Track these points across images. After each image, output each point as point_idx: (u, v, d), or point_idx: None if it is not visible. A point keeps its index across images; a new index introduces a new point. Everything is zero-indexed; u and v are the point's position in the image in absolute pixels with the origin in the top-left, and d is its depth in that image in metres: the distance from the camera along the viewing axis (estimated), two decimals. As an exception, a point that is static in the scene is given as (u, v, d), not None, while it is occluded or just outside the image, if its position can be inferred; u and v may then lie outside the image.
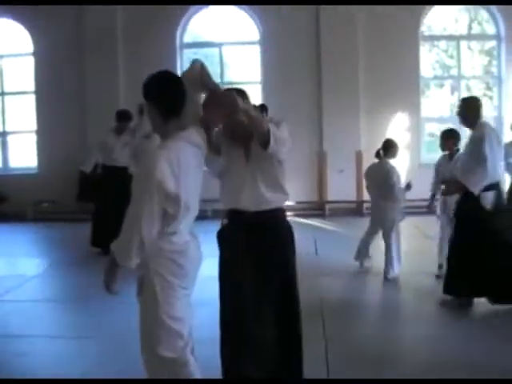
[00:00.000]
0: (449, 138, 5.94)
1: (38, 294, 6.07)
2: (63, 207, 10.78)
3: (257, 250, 2.99)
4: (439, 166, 6.18)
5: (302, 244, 7.43)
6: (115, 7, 10.82)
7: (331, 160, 10.73)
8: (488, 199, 4.83)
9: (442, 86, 11.93)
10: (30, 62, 11.51)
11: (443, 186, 5.83)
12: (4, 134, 11.93)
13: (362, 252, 6.53)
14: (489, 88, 11.85)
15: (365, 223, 6.66)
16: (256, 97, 10.76)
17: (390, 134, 9.57)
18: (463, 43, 11.50)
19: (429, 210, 6.35)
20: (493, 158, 4.77)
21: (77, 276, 6.46)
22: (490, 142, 4.78)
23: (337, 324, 4.75)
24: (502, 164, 4.94)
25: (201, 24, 11.45)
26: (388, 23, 10.51)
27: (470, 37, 11.70)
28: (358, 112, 10.72)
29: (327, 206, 10.70)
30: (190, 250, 2.70)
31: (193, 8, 11.12)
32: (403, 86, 10.66)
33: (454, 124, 7.50)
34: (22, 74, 11.86)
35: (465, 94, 11.48)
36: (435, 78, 11.93)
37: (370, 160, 6.69)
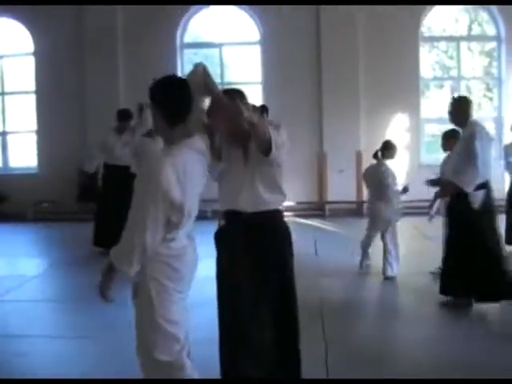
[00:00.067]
0: (450, 138, 5.94)
1: (38, 294, 6.07)
2: (63, 207, 10.80)
3: (255, 250, 3.00)
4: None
5: (302, 244, 7.49)
6: (115, 7, 10.82)
7: (331, 160, 10.74)
8: (477, 198, 4.83)
9: (441, 86, 11.94)
10: (31, 61, 11.51)
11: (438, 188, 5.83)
12: (4, 133, 11.94)
13: (364, 255, 6.54)
14: (489, 89, 11.86)
15: (365, 224, 6.67)
16: (256, 97, 10.76)
17: (389, 134, 9.59)
18: (463, 44, 11.50)
19: (431, 210, 6.36)
20: (483, 156, 4.78)
21: (77, 276, 6.46)
22: (480, 140, 4.80)
23: (336, 325, 4.75)
24: (492, 162, 4.92)
25: (201, 24, 11.45)
26: (388, 23, 10.51)
27: (470, 38, 11.71)
28: (358, 112, 10.72)
29: (327, 207, 10.70)
30: (187, 254, 2.69)
31: (193, 8, 11.13)
32: (403, 87, 10.67)
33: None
34: (23, 73, 11.87)
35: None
36: (435, 78, 11.94)
37: (369, 160, 6.70)
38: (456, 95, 5.51)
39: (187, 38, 11.46)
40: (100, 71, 10.77)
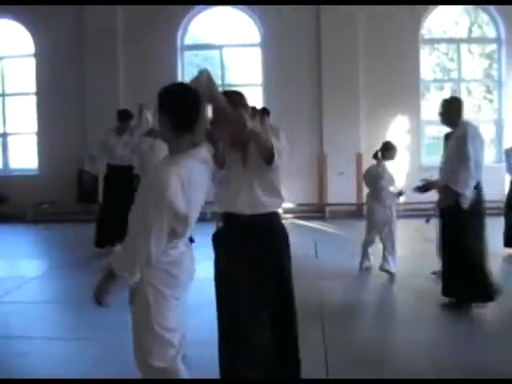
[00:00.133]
0: None
1: (38, 295, 6.07)
2: (63, 208, 10.80)
3: (253, 253, 3.01)
4: None
5: (302, 246, 7.50)
6: (115, 7, 10.82)
7: (331, 162, 10.73)
8: (467, 199, 4.83)
9: (442, 88, 11.93)
10: (31, 63, 11.52)
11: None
12: (4, 135, 11.94)
13: (364, 255, 6.55)
14: (489, 91, 11.86)
15: (364, 225, 6.67)
16: (256, 99, 10.77)
17: (390, 136, 9.58)
18: (463, 46, 11.51)
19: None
20: (475, 157, 4.79)
21: (77, 277, 6.45)
22: (472, 141, 4.80)
23: (337, 327, 4.75)
24: (483, 163, 4.92)
25: (201, 26, 11.46)
26: (388, 23, 10.51)
27: (470, 40, 11.72)
28: (359, 113, 10.71)
29: (327, 209, 10.69)
30: (185, 260, 2.68)
31: (193, 10, 11.13)
32: (403, 89, 10.67)
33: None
34: (23, 75, 11.87)
35: (465, 97, 11.51)
36: (435, 80, 11.95)
37: (369, 162, 6.72)
38: (446, 97, 5.51)
39: (188, 40, 11.47)
40: (100, 71, 10.77)
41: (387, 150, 6.36)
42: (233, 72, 12.06)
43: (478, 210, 4.93)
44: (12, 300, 5.77)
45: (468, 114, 11.46)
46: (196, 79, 2.77)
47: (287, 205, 9.75)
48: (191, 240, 3.30)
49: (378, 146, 6.50)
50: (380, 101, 10.61)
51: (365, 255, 6.52)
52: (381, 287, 6.07)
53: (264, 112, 7.73)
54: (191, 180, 2.54)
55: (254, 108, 5.67)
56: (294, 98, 10.62)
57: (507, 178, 7.94)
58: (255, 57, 11.33)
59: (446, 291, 5.08)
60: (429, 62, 11.63)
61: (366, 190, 6.95)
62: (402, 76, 10.65)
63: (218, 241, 3.14)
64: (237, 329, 2.98)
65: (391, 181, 6.36)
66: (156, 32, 10.77)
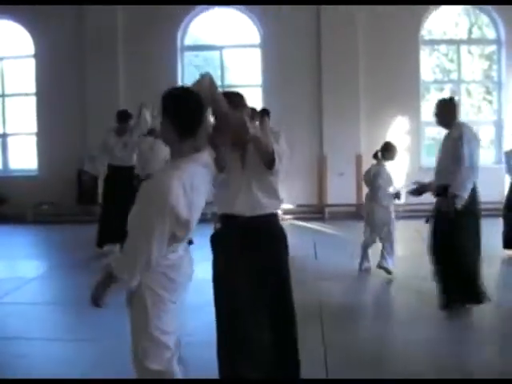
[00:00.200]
0: None
1: (38, 296, 6.07)
2: (63, 209, 10.80)
3: (251, 254, 3.01)
4: None
5: (302, 247, 7.51)
6: (116, 7, 10.82)
7: (331, 163, 10.73)
8: (461, 200, 4.81)
9: (442, 89, 11.93)
10: (31, 63, 11.52)
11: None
12: (4, 135, 11.94)
13: (363, 256, 6.55)
14: (489, 92, 11.86)
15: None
16: (256, 99, 10.77)
17: (390, 137, 9.58)
18: (463, 47, 11.51)
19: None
20: (471, 159, 4.78)
21: (76, 278, 6.45)
22: (468, 142, 4.80)
23: (336, 328, 4.75)
24: (479, 164, 4.91)
25: (201, 27, 11.46)
26: (388, 23, 10.51)
27: (470, 41, 11.72)
28: (359, 114, 10.71)
29: (327, 210, 10.69)
30: (183, 264, 2.68)
31: (193, 11, 11.13)
32: (403, 90, 10.67)
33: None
34: (23, 75, 11.87)
35: (465, 99, 11.53)
36: (435, 81, 11.94)
37: (369, 163, 6.74)
38: (440, 98, 5.51)
39: (188, 41, 11.47)
40: (100, 71, 10.76)
41: (387, 150, 6.41)
42: (233, 73, 12.06)
43: (472, 210, 4.90)
44: (11, 301, 5.76)
45: (468, 115, 11.51)
46: (198, 83, 2.75)
47: (287, 206, 9.75)
48: (190, 242, 3.30)
49: (378, 147, 6.54)
50: (380, 102, 10.61)
51: (364, 256, 6.52)
52: (380, 288, 6.07)
53: (264, 113, 7.72)
54: (193, 185, 2.54)
55: (253, 109, 5.66)
56: (293, 99, 10.62)
57: (507, 179, 7.94)
58: (255, 57, 11.33)
59: (440, 291, 5.07)
60: (429, 63, 11.64)
61: (365, 191, 6.97)
62: (402, 77, 10.65)
63: (216, 242, 3.14)
64: (236, 329, 2.98)
65: (389, 181, 6.39)
66: (156, 32, 10.78)
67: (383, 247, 6.33)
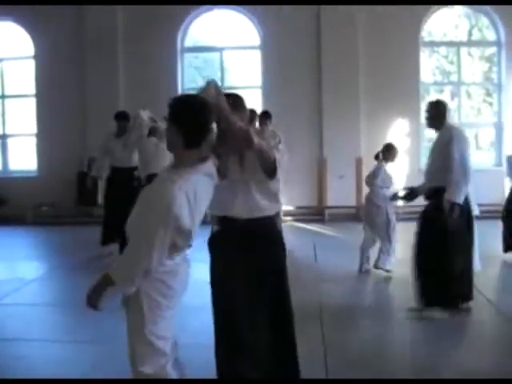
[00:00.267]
0: None
1: (37, 297, 6.06)
2: (63, 210, 10.80)
3: (248, 256, 3.01)
4: None
5: (302, 249, 7.50)
6: (116, 7, 10.84)
7: (331, 165, 10.74)
8: (458, 210, 4.77)
9: (441, 91, 11.95)
10: (31, 64, 11.52)
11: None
12: (4, 136, 11.95)
13: (363, 258, 6.56)
14: (489, 94, 11.88)
15: (364, 229, 6.69)
16: (256, 101, 10.78)
17: (389, 139, 9.59)
18: (463, 49, 11.53)
19: None
20: (462, 161, 4.77)
21: (76, 280, 6.44)
22: (458, 144, 4.80)
23: (336, 329, 4.75)
24: (471, 166, 4.91)
25: (202, 28, 11.47)
26: (388, 24, 10.53)
27: (470, 43, 11.74)
28: (359, 116, 10.72)
29: (327, 212, 10.70)
30: (181, 271, 2.67)
31: (194, 12, 11.15)
32: (403, 92, 10.68)
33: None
34: (23, 76, 11.88)
35: (465, 100, 11.54)
36: (435, 83, 11.95)
37: (369, 166, 6.77)
38: (431, 100, 5.51)
39: (188, 42, 11.48)
40: (100, 71, 10.78)
41: (388, 151, 6.49)
42: (232, 74, 12.07)
43: (462, 213, 4.89)
44: (11, 302, 5.76)
45: (468, 117, 11.52)
46: (204, 90, 2.70)
47: (287, 207, 9.76)
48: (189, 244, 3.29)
49: (378, 149, 6.58)
50: (380, 103, 10.62)
51: (364, 258, 6.53)
52: (380, 289, 6.06)
53: (265, 116, 7.69)
54: (196, 194, 2.52)
55: (252, 111, 5.65)
56: (293, 99, 10.63)
57: (507, 183, 7.94)
58: (255, 59, 11.34)
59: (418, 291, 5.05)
60: (429, 65, 11.65)
61: (365, 193, 6.98)
62: (402, 79, 10.66)
63: (214, 244, 3.14)
64: (233, 330, 2.98)
65: (389, 182, 6.43)
66: (156, 32, 10.79)
67: (380, 247, 6.38)
